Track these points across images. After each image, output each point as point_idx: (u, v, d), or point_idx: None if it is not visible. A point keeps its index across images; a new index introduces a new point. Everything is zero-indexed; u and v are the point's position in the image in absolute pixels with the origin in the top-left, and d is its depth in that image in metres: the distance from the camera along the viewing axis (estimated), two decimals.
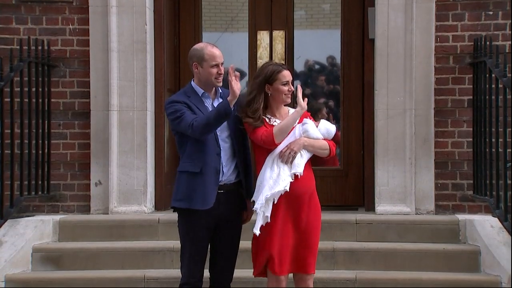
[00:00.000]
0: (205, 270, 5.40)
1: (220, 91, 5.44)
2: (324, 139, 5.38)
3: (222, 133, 5.34)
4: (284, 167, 5.25)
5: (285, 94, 5.36)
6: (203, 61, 5.31)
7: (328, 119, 7.06)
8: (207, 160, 5.24)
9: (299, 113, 5.29)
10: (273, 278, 5.30)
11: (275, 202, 5.21)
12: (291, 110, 5.44)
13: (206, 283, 5.45)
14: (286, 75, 5.37)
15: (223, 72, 5.35)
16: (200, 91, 5.38)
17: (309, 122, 5.37)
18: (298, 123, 5.34)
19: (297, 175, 5.24)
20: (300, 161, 5.27)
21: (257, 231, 5.21)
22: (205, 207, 5.22)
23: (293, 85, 5.43)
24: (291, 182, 5.22)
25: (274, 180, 5.21)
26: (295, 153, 5.25)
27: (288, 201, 5.24)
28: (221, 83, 5.38)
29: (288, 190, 5.19)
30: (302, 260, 5.31)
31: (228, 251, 5.40)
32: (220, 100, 5.39)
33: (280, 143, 5.27)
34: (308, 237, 5.29)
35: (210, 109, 5.34)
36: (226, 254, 5.40)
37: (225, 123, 5.29)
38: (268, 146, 5.27)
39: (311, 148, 5.31)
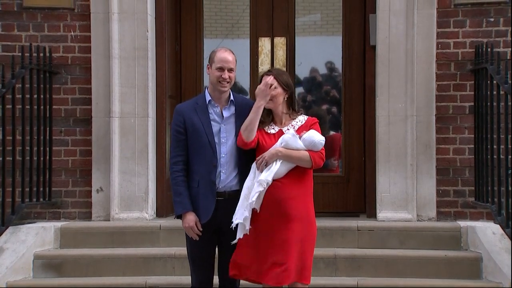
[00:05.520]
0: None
1: (232, 98, 5.41)
2: (309, 150, 5.23)
3: (228, 141, 5.33)
4: (259, 175, 5.22)
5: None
6: (212, 62, 5.35)
7: (329, 126, 7.03)
8: (203, 173, 5.28)
9: (258, 109, 5.21)
10: None
11: (258, 211, 5.19)
12: (300, 118, 5.38)
13: None
14: (267, 80, 5.31)
15: (228, 78, 5.30)
16: (208, 98, 5.39)
17: (291, 133, 5.27)
18: (298, 133, 5.28)
19: (268, 182, 5.17)
20: (274, 169, 5.19)
21: (235, 241, 5.23)
22: (205, 220, 5.27)
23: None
24: (268, 189, 5.17)
25: (248, 187, 5.20)
26: (266, 161, 5.20)
27: (264, 209, 5.19)
28: (226, 88, 5.33)
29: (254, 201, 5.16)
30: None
31: (230, 255, 5.37)
32: (232, 108, 5.37)
33: (252, 142, 5.23)
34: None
35: (216, 117, 5.34)
36: (228, 258, 5.37)
37: (233, 131, 5.32)
38: (243, 146, 5.25)
39: (287, 158, 5.22)
